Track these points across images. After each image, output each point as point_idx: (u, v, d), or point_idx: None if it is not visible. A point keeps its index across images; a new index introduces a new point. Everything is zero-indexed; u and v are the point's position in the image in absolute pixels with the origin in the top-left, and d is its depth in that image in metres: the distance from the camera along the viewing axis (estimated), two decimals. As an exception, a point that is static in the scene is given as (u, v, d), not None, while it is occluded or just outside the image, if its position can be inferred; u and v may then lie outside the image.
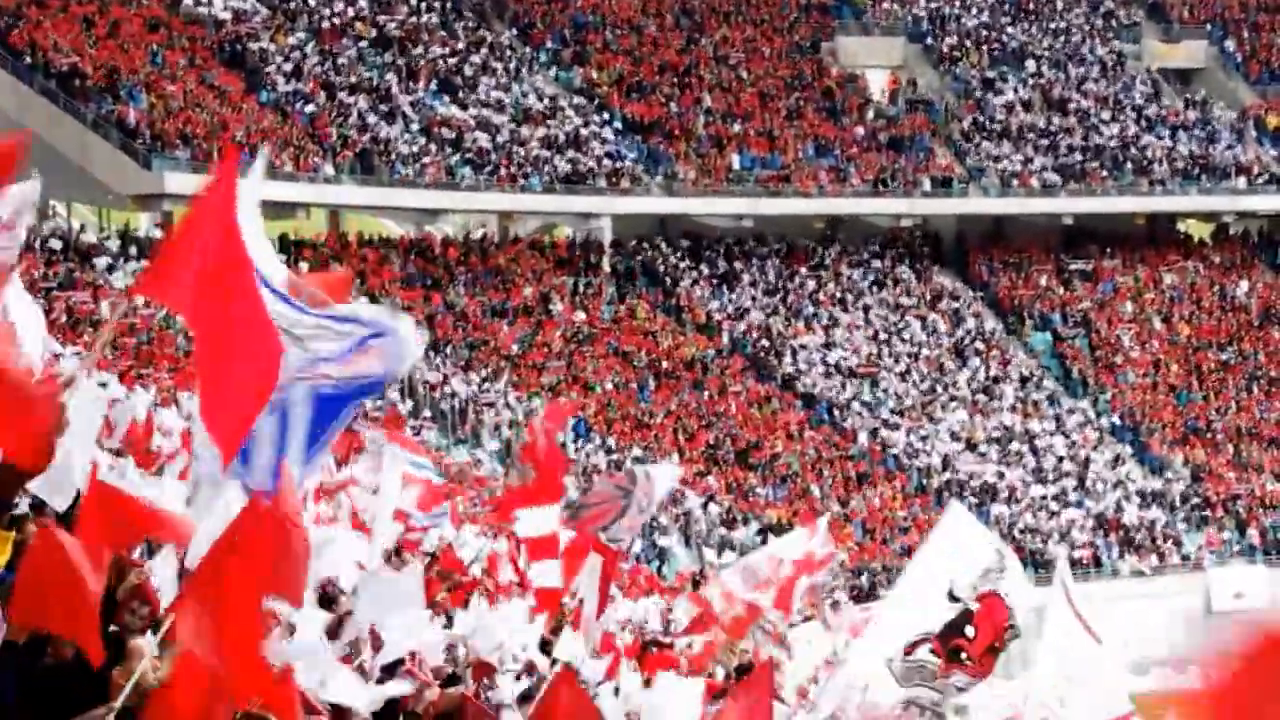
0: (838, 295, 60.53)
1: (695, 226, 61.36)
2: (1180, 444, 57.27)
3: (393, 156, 54.35)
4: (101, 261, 43.89)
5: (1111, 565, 51.72)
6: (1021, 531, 51.48)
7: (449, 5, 61.05)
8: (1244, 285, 65.08)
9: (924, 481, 53.25)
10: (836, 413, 55.23)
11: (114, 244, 46.43)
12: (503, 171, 56.35)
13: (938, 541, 15.42)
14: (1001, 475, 53.86)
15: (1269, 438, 58.20)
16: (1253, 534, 53.94)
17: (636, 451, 49.30)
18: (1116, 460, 56.01)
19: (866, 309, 60.28)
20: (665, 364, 54.98)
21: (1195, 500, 54.96)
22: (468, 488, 36.97)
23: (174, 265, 8.03)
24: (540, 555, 18.91)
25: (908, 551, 49.24)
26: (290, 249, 49.96)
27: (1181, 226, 68.00)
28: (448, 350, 51.14)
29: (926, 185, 62.47)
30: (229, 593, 7.12)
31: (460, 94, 57.94)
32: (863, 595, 41.37)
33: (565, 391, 51.55)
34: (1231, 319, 63.51)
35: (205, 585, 7.26)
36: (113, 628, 8.06)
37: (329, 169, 52.90)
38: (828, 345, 57.96)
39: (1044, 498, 53.43)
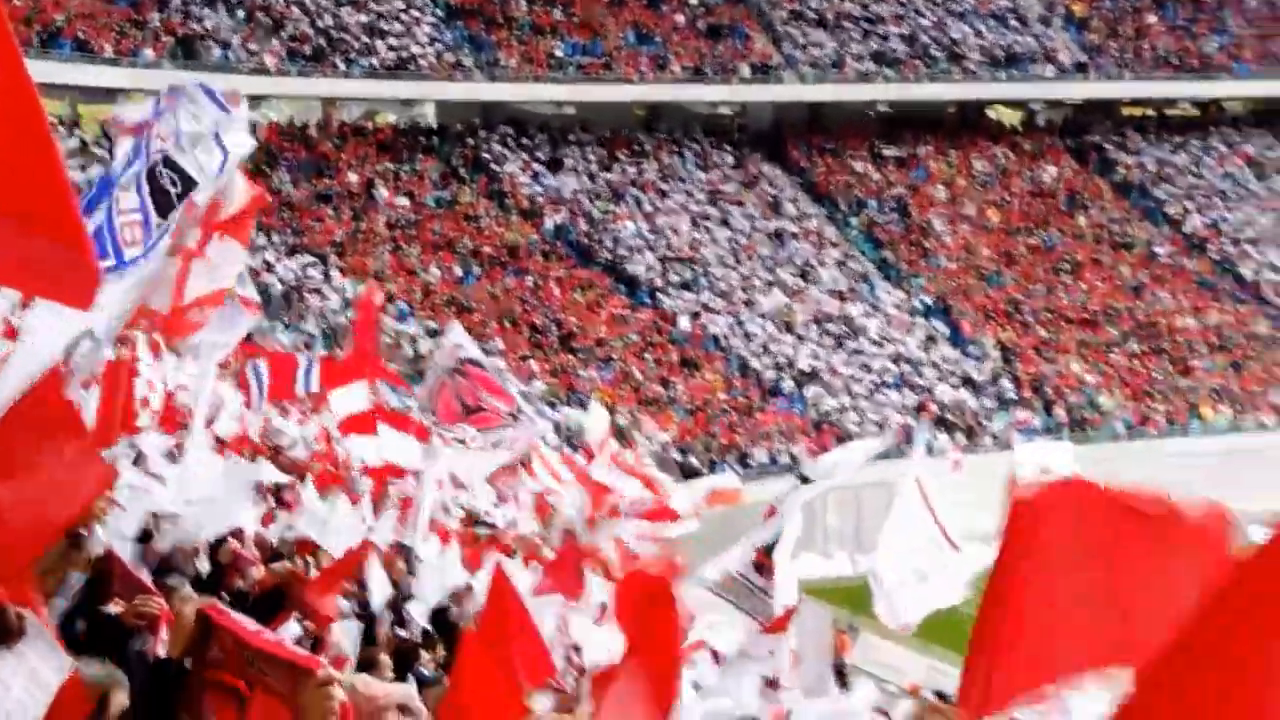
0: (658, 182, 60.35)
1: (518, 114, 60.84)
2: (991, 326, 57.90)
3: (214, 41, 53.22)
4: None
5: (925, 444, 52.20)
6: (839, 411, 51.88)
7: (269, -110, 59.69)
8: (1051, 171, 65.82)
9: (744, 364, 53.40)
10: (658, 297, 55.16)
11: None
12: (326, 58, 55.42)
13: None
14: (819, 357, 54.15)
15: (1075, 320, 59.04)
16: (1059, 413, 54.76)
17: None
18: (930, 342, 56.51)
19: (687, 195, 60.17)
20: (488, 250, 54.59)
21: (1005, 381, 55.64)
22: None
23: None
24: (357, 430, 18.72)
25: (733, 429, 49.50)
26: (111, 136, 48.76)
27: (992, 114, 68.51)
28: (273, 236, 50.39)
29: (746, 72, 62.30)
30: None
31: (282, -21, 56.75)
32: (690, 473, 41.39)
33: (391, 277, 51.08)
34: (1040, 205, 64.26)
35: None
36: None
37: (150, 54, 51.68)
38: (649, 231, 57.79)
39: (859, 379, 53.80)
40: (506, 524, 23.54)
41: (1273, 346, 59.60)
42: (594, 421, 25.58)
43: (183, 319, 11.67)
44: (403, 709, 7.59)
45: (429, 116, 60.41)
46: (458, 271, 53.29)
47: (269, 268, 48.39)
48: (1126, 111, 69.56)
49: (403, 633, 13.38)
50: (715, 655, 15.10)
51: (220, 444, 18.24)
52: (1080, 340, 58.15)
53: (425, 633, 13.65)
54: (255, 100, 55.91)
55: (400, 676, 10.95)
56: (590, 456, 24.42)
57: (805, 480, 15.39)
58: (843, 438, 48.47)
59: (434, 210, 55.74)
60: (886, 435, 42.18)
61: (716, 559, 14.50)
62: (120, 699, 6.19)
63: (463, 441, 20.72)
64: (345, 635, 11.01)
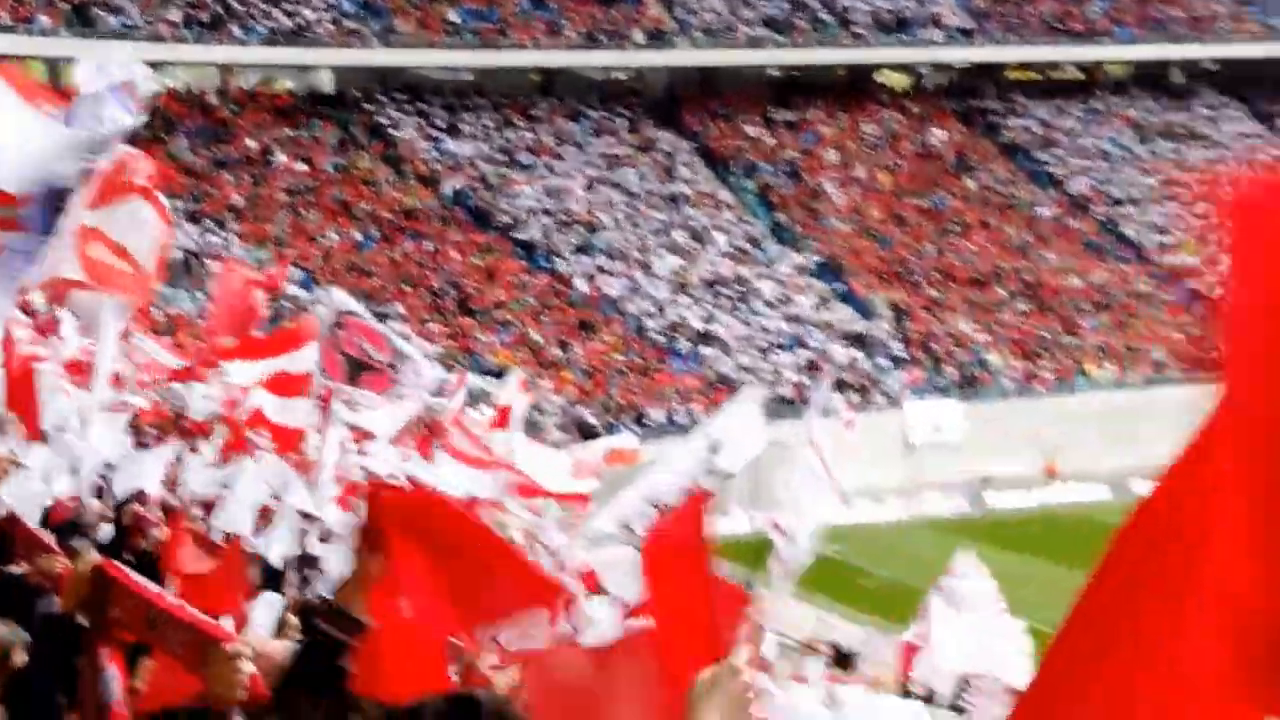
0: (555, 147, 60.23)
1: (414, 80, 60.53)
2: (882, 286, 58.19)
3: (110, 9, 52.60)
4: None
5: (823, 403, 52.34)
6: (735, 370, 52.01)
7: None
8: (939, 135, 66.15)
9: (640, 326, 53.44)
10: (555, 261, 55.10)
11: None
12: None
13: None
14: (714, 319, 54.26)
15: (964, 280, 59.43)
16: (949, 371, 55.13)
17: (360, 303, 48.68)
18: (822, 303, 56.73)
19: (583, 160, 60.09)
20: (387, 215, 54.35)
21: (896, 340, 55.94)
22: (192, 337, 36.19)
23: None
24: (290, 392, 18.60)
25: (630, 390, 49.54)
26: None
27: (880, 78, 68.75)
28: (172, 202, 49.95)
29: (639, 38, 62.23)
30: None
31: (177, -53, 56.15)
32: (588, 433, 41.48)
33: (290, 242, 50.77)
34: (928, 167, 64.60)
35: None
36: None
37: (46, 21, 51.01)
38: (546, 196, 57.71)
39: (754, 339, 53.97)
40: (410, 485, 23.44)
41: (1155, 304, 60.25)
42: (510, 390, 25.59)
43: (148, 288, 11.55)
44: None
45: (326, 83, 60.00)
46: (356, 237, 53.04)
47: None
48: (1012, 75, 70.01)
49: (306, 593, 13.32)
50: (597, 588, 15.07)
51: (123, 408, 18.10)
52: (969, 300, 58.55)
53: (325, 596, 13.57)
54: (152, 67, 55.38)
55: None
56: (503, 418, 24.36)
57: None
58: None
59: (332, 176, 55.42)
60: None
61: (608, 508, 14.53)
62: (20, 656, 6.15)
63: (370, 408, 20.62)
64: (268, 608, 10.93)
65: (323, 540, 15.37)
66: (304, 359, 18.44)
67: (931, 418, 52.50)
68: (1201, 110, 70.32)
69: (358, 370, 18.09)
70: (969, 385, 54.68)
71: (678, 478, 14.89)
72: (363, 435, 22.17)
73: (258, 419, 19.44)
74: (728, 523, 41.27)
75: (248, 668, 5.54)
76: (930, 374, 54.90)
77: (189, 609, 6.10)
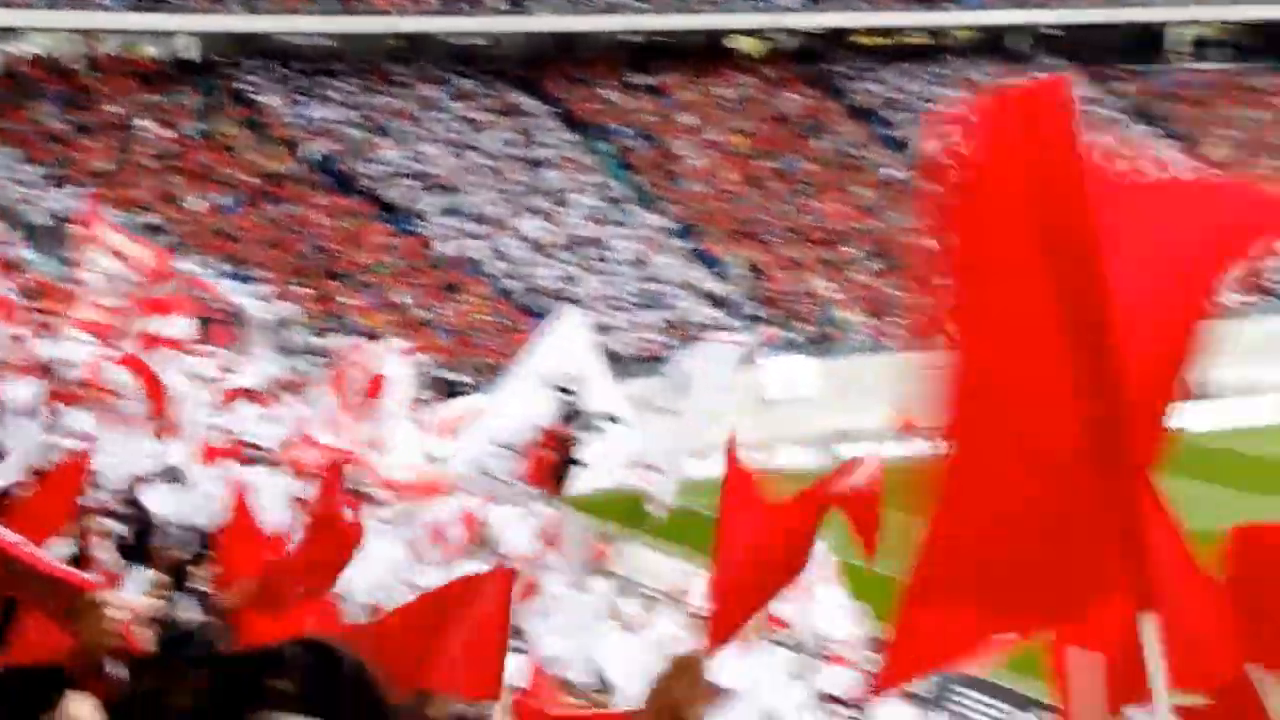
0: (416, 111, 59.95)
1: (277, 45, 60.01)
2: (738, 247, 58.45)
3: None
4: None
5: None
6: (598, 331, 52.05)
7: None
8: (792, 99, 66.48)
9: (503, 287, 53.39)
10: (418, 223, 54.90)
11: None
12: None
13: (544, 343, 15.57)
14: (574, 280, 54.32)
15: (817, 240, 59.82)
16: (804, 329, 55.51)
17: (227, 267, 48.34)
18: (680, 263, 56.93)
19: (444, 124, 59.86)
20: (251, 180, 53.89)
21: (752, 299, 56.26)
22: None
23: None
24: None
25: (494, 349, 49.49)
26: None
27: (736, 44, 68.93)
28: (38, 168, 49.31)
29: (499, 4, 62.00)
30: None
31: (37, -87, 55.27)
32: (452, 393, 41.38)
33: (155, 208, 50.24)
34: (782, 130, 64.89)
35: None
36: None
37: (-95, -12, 50.12)
38: (408, 160, 57.45)
39: (614, 299, 54.08)
40: (278, 445, 23.29)
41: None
42: (389, 359, 25.48)
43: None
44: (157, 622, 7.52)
45: (189, 49, 59.32)
46: (221, 202, 52.56)
47: (28, 200, 47.36)
48: (861, 40, 70.43)
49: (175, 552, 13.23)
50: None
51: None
52: (822, 259, 58.96)
53: (198, 552, 13.51)
54: (11, 32, 54.63)
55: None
56: (374, 387, 24.14)
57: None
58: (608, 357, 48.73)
59: (196, 141, 54.86)
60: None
61: (457, 455, 14.56)
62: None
63: (230, 370, 20.53)
64: (137, 584, 10.83)
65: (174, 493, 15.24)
66: (177, 324, 18.39)
67: (787, 374, 52.79)
68: (1042, 74, 70.93)
69: (203, 325, 18.08)
70: (822, 342, 55.10)
71: (529, 419, 14.95)
72: (233, 394, 22.05)
73: (134, 364, 19.23)
74: (589, 478, 41.42)
75: (117, 614, 5.52)
76: (785, 331, 55.24)
77: (52, 560, 6.05)
